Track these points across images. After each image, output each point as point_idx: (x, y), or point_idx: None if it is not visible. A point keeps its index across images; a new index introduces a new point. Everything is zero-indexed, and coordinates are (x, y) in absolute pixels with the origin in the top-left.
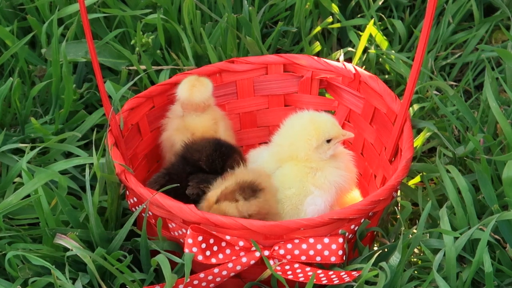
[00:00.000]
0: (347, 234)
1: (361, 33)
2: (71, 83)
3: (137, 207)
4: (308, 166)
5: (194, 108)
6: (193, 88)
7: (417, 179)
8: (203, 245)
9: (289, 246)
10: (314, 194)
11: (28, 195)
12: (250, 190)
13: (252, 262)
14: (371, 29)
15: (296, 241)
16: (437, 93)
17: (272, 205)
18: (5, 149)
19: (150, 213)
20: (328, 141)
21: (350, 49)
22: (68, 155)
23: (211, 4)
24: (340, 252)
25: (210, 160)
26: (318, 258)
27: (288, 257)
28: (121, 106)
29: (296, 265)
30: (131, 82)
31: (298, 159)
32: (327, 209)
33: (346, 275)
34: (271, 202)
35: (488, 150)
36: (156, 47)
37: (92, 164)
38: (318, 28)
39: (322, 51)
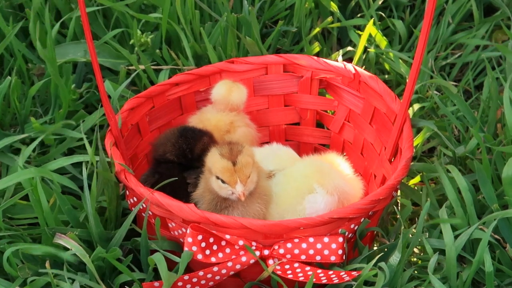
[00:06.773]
0: (347, 233)
1: (361, 33)
2: (70, 83)
3: None
4: (316, 165)
5: (229, 109)
6: (231, 91)
7: (417, 179)
8: (203, 244)
9: (289, 245)
10: (316, 192)
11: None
12: (234, 144)
13: (252, 261)
14: (371, 29)
15: (296, 240)
16: (437, 92)
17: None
18: (5, 149)
19: (150, 213)
20: None
21: (350, 48)
22: (68, 155)
23: (210, 4)
24: (340, 252)
25: (176, 148)
26: (318, 258)
27: (288, 256)
28: (120, 106)
29: (296, 265)
30: (129, 79)
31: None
32: (326, 212)
33: (345, 275)
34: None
35: (488, 150)
36: (155, 47)
37: (89, 162)
38: (318, 28)
39: (322, 51)
